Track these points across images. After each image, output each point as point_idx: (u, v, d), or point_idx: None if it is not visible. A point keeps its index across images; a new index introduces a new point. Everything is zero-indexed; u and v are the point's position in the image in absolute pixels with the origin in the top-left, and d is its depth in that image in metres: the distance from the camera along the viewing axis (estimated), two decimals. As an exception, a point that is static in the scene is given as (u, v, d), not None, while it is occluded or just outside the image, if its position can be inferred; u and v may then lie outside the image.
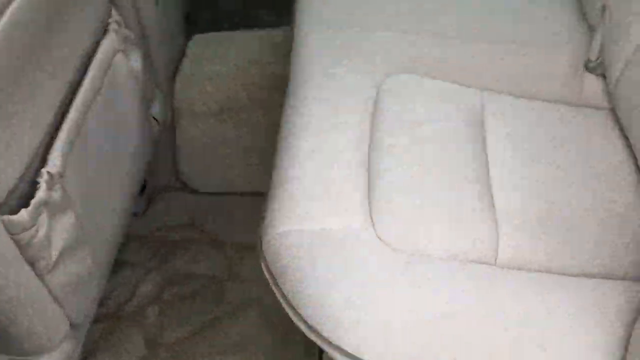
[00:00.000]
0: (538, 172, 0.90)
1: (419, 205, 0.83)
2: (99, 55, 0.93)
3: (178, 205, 1.43)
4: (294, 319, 0.76)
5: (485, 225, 0.83)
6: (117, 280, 1.28)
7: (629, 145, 0.95)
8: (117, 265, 1.29)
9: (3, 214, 0.70)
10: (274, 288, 0.80)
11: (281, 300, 0.79)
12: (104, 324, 1.21)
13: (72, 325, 0.92)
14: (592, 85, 1.05)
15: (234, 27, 1.55)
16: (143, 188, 1.43)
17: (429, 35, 1.08)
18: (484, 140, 0.95)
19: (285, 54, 1.22)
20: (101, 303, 1.11)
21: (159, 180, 1.44)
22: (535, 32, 1.10)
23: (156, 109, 1.24)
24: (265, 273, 0.82)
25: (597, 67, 1.05)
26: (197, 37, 1.46)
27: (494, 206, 0.85)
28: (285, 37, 1.51)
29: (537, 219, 0.84)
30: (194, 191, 1.44)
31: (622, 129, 0.98)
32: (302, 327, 0.75)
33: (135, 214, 1.39)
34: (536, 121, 0.99)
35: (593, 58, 1.05)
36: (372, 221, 0.82)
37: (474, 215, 0.83)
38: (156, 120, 1.23)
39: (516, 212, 0.85)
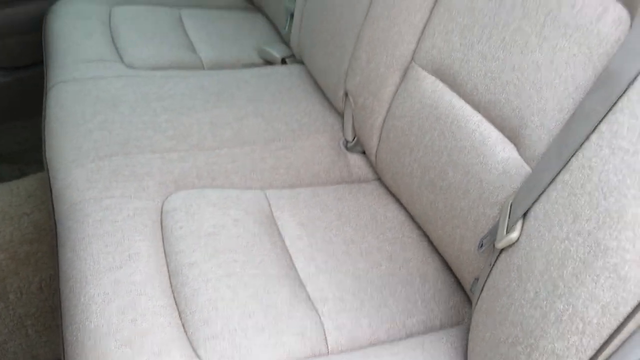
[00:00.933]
0: (336, 251, 0.93)
1: (238, 320, 0.79)
2: None
3: None
4: None
5: (307, 317, 0.81)
6: None
7: (403, 206, 1.04)
8: None
9: None
10: None
11: None
12: None
13: None
14: (357, 162, 1.14)
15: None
16: None
17: (195, 149, 1.08)
18: (279, 236, 0.95)
19: (43, 200, 1.11)
20: None
21: None
22: (295, 127, 1.16)
23: None
24: None
25: (355, 146, 1.14)
26: None
27: (309, 297, 0.85)
28: (40, 182, 1.39)
29: (350, 295, 0.86)
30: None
31: (393, 194, 1.07)
32: None
33: None
34: (320, 205, 1.03)
35: (349, 139, 1.15)
36: (196, 355, 0.75)
37: (295, 312, 0.81)
38: None
39: (330, 295, 0.85)
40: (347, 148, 1.15)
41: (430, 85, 0.92)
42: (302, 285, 0.87)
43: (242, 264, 0.87)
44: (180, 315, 0.79)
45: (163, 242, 0.90)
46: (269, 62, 1.47)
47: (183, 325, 0.78)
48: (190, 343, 0.76)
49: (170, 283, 0.84)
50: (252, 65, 1.44)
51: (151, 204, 0.95)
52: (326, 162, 1.13)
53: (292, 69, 1.39)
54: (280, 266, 0.88)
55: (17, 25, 1.65)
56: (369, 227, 1.00)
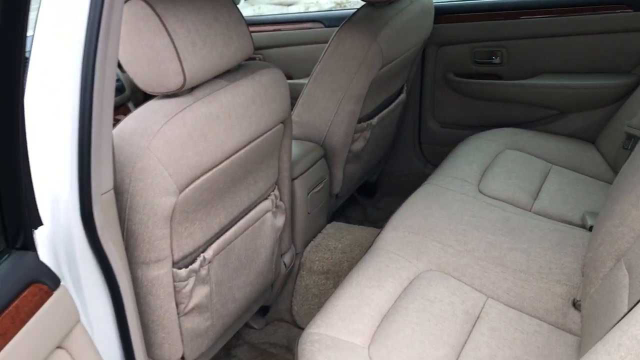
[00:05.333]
0: None
1: (404, 343, 1.28)
2: (257, 209, 1.59)
3: (284, 333, 1.97)
4: None
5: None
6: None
7: None
8: (226, 354, 1.86)
9: (175, 267, 1.33)
10: None
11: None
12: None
13: (184, 359, 1.48)
14: (574, 316, 1.42)
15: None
16: (266, 312, 2.02)
17: (462, 250, 1.58)
18: (471, 329, 1.37)
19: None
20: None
21: (279, 313, 2.02)
22: (538, 267, 1.52)
23: (287, 258, 1.86)
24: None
25: (579, 307, 1.43)
26: (334, 223, 2.11)
27: (454, 367, 1.27)
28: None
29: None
30: (300, 327, 1.97)
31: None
32: None
33: (254, 327, 1.98)
34: (524, 334, 1.38)
35: (579, 299, 1.44)
36: (370, 341, 1.29)
37: (435, 359, 1.26)
38: (285, 264, 1.85)
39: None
40: (574, 305, 1.44)
41: None
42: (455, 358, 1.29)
43: (433, 324, 1.35)
44: (381, 321, 1.34)
45: (401, 292, 1.46)
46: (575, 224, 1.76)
47: (378, 327, 1.33)
48: (373, 335, 1.30)
49: (390, 309, 1.39)
50: (569, 224, 1.78)
51: (412, 271, 1.53)
52: (553, 306, 1.45)
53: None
54: (452, 344, 1.32)
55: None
56: None
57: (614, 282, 1.21)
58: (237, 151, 1.37)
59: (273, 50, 2.85)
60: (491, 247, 1.60)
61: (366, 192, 2.77)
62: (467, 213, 1.76)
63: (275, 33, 2.81)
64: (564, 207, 1.85)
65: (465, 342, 1.34)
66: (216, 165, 1.32)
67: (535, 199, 1.90)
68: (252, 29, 2.83)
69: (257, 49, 2.86)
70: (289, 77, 2.83)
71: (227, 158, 1.35)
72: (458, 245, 1.61)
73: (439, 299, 1.44)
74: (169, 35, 1.20)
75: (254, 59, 2.91)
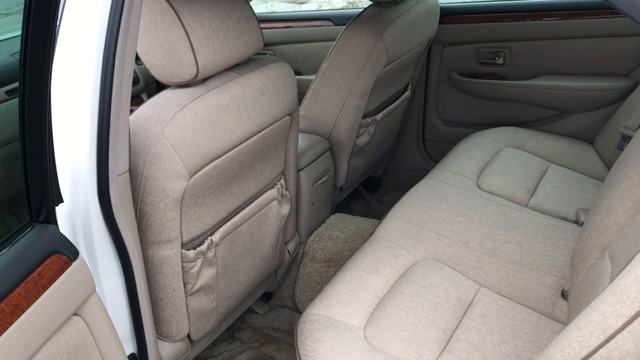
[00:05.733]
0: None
1: (398, 325, 1.36)
2: (263, 197, 1.67)
3: (286, 319, 2.05)
4: None
5: (430, 347, 1.32)
6: (222, 347, 1.91)
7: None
8: (230, 336, 1.95)
9: (183, 248, 1.42)
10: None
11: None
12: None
13: (190, 337, 1.57)
14: (562, 306, 1.49)
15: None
16: (269, 298, 2.10)
17: (458, 241, 1.65)
18: (462, 315, 1.44)
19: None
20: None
21: (282, 299, 2.10)
22: (529, 259, 1.59)
23: (291, 246, 1.94)
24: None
25: (567, 297, 1.49)
26: (337, 215, 2.19)
27: (444, 348, 1.34)
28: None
29: None
30: (301, 313, 2.04)
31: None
32: None
33: (257, 312, 2.06)
34: (513, 321, 1.45)
35: (567, 289, 1.50)
36: (366, 323, 1.37)
37: (427, 341, 1.33)
38: (289, 251, 1.93)
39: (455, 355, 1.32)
40: (562, 295, 1.51)
41: None
42: (445, 343, 1.36)
43: (427, 308, 1.42)
44: (378, 303, 1.42)
45: (398, 279, 1.54)
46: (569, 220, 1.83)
47: (375, 308, 1.40)
48: (369, 317, 1.38)
49: (390, 290, 1.47)
50: (563, 220, 1.85)
51: (410, 258, 1.60)
52: (541, 296, 1.52)
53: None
54: (444, 328, 1.39)
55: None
56: None
57: (598, 272, 1.28)
58: (245, 140, 1.45)
59: (284, 47, 2.93)
60: (486, 239, 1.67)
61: (370, 186, 2.84)
62: (464, 206, 1.82)
63: (286, 30, 2.89)
64: (559, 204, 1.91)
65: (457, 327, 1.41)
66: (225, 153, 1.40)
67: (531, 195, 1.96)
68: (263, 25, 2.93)
69: (268, 45, 2.94)
70: (298, 73, 2.91)
71: (235, 146, 1.43)
72: (454, 236, 1.68)
73: (434, 286, 1.51)
74: (184, 28, 1.28)
75: (264, 54, 2.99)
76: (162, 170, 1.28)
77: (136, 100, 2.30)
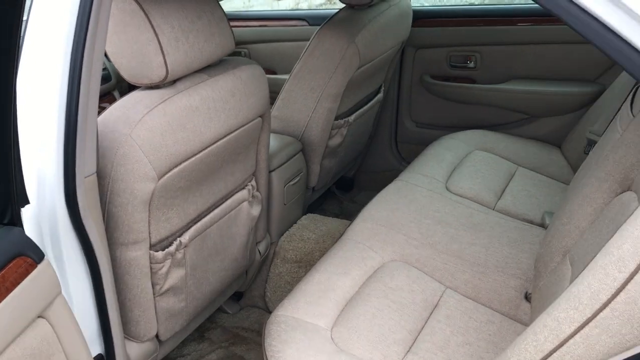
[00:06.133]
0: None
1: (364, 326, 1.38)
2: (234, 198, 1.68)
3: (256, 318, 2.06)
4: None
5: (396, 349, 1.34)
6: (191, 346, 1.92)
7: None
8: (199, 336, 1.95)
9: (152, 249, 1.42)
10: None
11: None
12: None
13: (158, 337, 1.57)
14: (526, 308, 1.53)
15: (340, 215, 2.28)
16: (239, 298, 2.11)
17: (425, 243, 1.68)
18: (428, 316, 1.47)
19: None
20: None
21: (252, 299, 2.11)
22: (495, 261, 1.62)
23: (262, 246, 1.95)
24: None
25: (530, 299, 1.53)
26: (309, 215, 2.20)
27: (409, 349, 1.36)
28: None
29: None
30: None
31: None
32: None
33: (228, 312, 2.06)
34: (477, 322, 1.48)
35: (530, 292, 1.54)
36: (333, 324, 1.39)
37: (392, 342, 1.35)
38: (260, 252, 1.94)
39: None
40: (526, 298, 1.54)
41: None
42: (410, 344, 1.38)
43: (394, 310, 1.44)
44: (345, 306, 1.44)
45: (365, 281, 1.55)
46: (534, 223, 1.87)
47: (342, 311, 1.42)
48: (336, 318, 1.40)
49: (355, 294, 1.49)
50: (529, 223, 1.89)
51: (377, 260, 1.62)
52: (507, 296, 1.55)
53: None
54: (410, 330, 1.41)
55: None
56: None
57: (559, 276, 1.31)
58: (215, 142, 1.46)
59: (259, 45, 2.93)
60: (452, 241, 1.70)
61: (343, 186, 2.86)
62: (432, 208, 1.85)
63: (261, 29, 2.89)
64: (526, 207, 1.95)
65: (422, 328, 1.43)
66: (194, 155, 1.41)
67: (499, 198, 2.00)
68: (239, 23, 2.92)
69: (244, 43, 2.94)
70: (273, 72, 2.91)
71: (205, 148, 1.43)
72: (422, 238, 1.71)
73: (400, 287, 1.53)
74: (154, 30, 1.28)
75: (239, 53, 2.99)
76: (130, 172, 1.28)
77: (108, 98, 2.28)
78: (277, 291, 2.04)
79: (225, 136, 1.49)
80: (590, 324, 0.85)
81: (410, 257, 1.65)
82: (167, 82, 1.35)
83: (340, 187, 2.85)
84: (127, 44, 1.30)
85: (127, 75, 1.34)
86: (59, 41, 1.08)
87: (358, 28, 1.97)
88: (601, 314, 0.83)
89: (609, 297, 0.82)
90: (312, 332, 1.38)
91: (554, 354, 0.88)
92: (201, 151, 1.42)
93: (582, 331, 0.85)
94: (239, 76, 1.52)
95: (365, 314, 1.43)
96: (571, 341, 0.86)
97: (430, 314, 1.48)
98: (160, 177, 1.33)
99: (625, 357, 0.82)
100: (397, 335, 1.39)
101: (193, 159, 1.41)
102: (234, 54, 3.03)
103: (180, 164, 1.37)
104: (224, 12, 1.48)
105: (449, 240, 1.70)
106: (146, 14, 1.27)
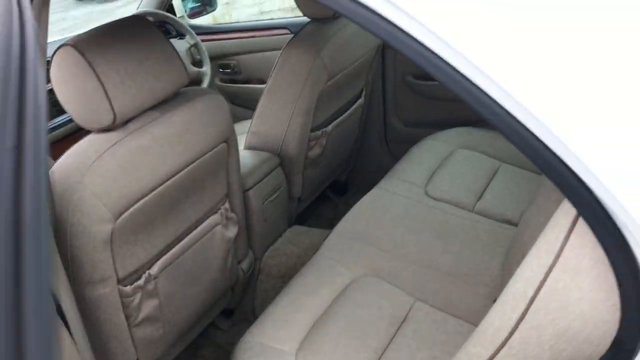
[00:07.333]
0: None
1: (329, 348, 1.40)
2: (205, 223, 1.71)
3: (248, 333, 2.10)
4: None
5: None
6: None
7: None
8: (192, 354, 2.00)
9: (120, 284, 1.47)
10: None
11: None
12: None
13: (140, 364, 1.62)
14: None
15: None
16: (232, 314, 2.15)
17: (397, 254, 1.69)
18: (395, 332, 1.48)
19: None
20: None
21: (244, 314, 2.15)
22: (466, 269, 1.62)
23: (245, 264, 1.99)
24: None
25: (500, 306, 1.53)
26: (294, 228, 2.23)
27: (374, 366, 1.39)
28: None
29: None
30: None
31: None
32: None
33: (221, 329, 2.11)
34: (445, 334, 1.49)
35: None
36: (299, 347, 1.41)
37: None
38: (242, 270, 1.98)
39: None
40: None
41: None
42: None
43: (358, 329, 1.47)
44: (311, 327, 1.46)
45: (336, 297, 1.58)
46: (513, 223, 1.86)
47: (307, 333, 1.45)
48: (302, 341, 1.42)
49: (319, 319, 1.51)
50: (507, 223, 1.88)
51: (348, 276, 1.63)
52: (476, 304, 1.55)
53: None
54: (375, 347, 1.43)
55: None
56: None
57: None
58: (172, 176, 1.49)
59: (246, 56, 2.96)
60: (424, 251, 1.70)
61: (338, 190, 2.88)
62: (408, 217, 1.86)
63: (247, 40, 2.92)
64: (505, 206, 1.94)
65: (388, 345, 1.45)
66: (151, 191, 1.44)
67: (479, 199, 1.99)
68: (225, 36, 2.95)
69: (232, 55, 2.98)
70: (263, 82, 2.94)
71: (162, 184, 1.47)
72: (394, 249, 1.72)
73: (369, 304, 1.55)
74: (99, 78, 1.32)
75: (229, 65, 3.03)
76: (86, 216, 1.33)
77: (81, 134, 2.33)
78: (264, 307, 2.06)
79: (183, 169, 1.52)
80: None
81: (382, 271, 1.67)
82: (117, 124, 1.39)
83: (334, 190, 2.87)
84: (75, 92, 1.34)
85: (80, 121, 1.38)
86: None
87: (323, 42, 1.97)
88: (501, 351, 0.84)
89: (506, 335, 0.82)
90: (276, 358, 1.41)
91: None
92: (158, 187, 1.46)
93: None
94: (195, 107, 1.55)
95: (330, 334, 1.46)
96: None
97: (397, 330, 1.50)
98: (117, 218, 1.37)
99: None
100: (361, 355, 1.41)
101: (150, 195, 1.45)
102: (224, 65, 3.08)
103: (136, 203, 1.41)
104: (173, 47, 1.50)
105: (420, 250, 1.71)
106: (89, 63, 1.31)
